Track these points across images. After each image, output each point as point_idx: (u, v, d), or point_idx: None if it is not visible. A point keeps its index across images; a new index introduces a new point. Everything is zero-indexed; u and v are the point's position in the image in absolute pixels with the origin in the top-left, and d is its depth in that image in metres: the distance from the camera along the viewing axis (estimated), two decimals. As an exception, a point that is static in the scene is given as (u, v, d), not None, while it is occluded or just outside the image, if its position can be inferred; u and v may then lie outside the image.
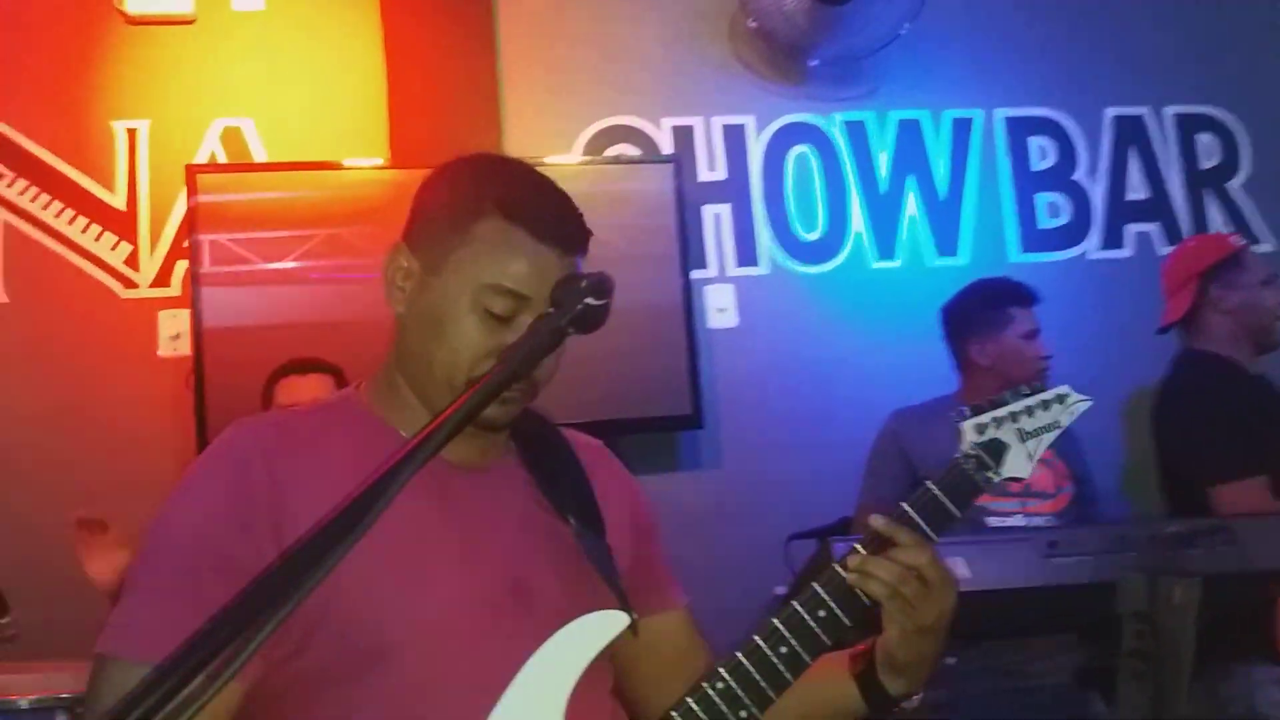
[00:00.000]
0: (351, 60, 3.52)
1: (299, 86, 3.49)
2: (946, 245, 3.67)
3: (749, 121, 3.66)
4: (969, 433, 1.31)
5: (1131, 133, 3.83)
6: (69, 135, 3.36)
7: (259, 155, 3.44)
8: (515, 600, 1.15)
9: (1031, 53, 3.80)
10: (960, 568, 1.96)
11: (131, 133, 3.40)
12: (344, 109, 3.50)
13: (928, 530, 1.23)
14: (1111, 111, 3.83)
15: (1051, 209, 3.77)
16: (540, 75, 3.57)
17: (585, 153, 3.51)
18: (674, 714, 1.17)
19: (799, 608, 1.20)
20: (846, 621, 1.21)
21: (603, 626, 1.14)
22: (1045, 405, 1.34)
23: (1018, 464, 1.31)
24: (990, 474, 1.29)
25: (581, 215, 1.24)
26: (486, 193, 1.19)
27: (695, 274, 3.46)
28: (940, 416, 1.86)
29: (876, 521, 1.22)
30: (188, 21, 3.45)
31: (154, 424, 3.24)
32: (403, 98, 3.49)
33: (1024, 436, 1.32)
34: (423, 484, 1.04)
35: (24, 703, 2.19)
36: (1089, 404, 1.36)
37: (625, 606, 1.17)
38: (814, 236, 3.65)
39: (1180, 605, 1.96)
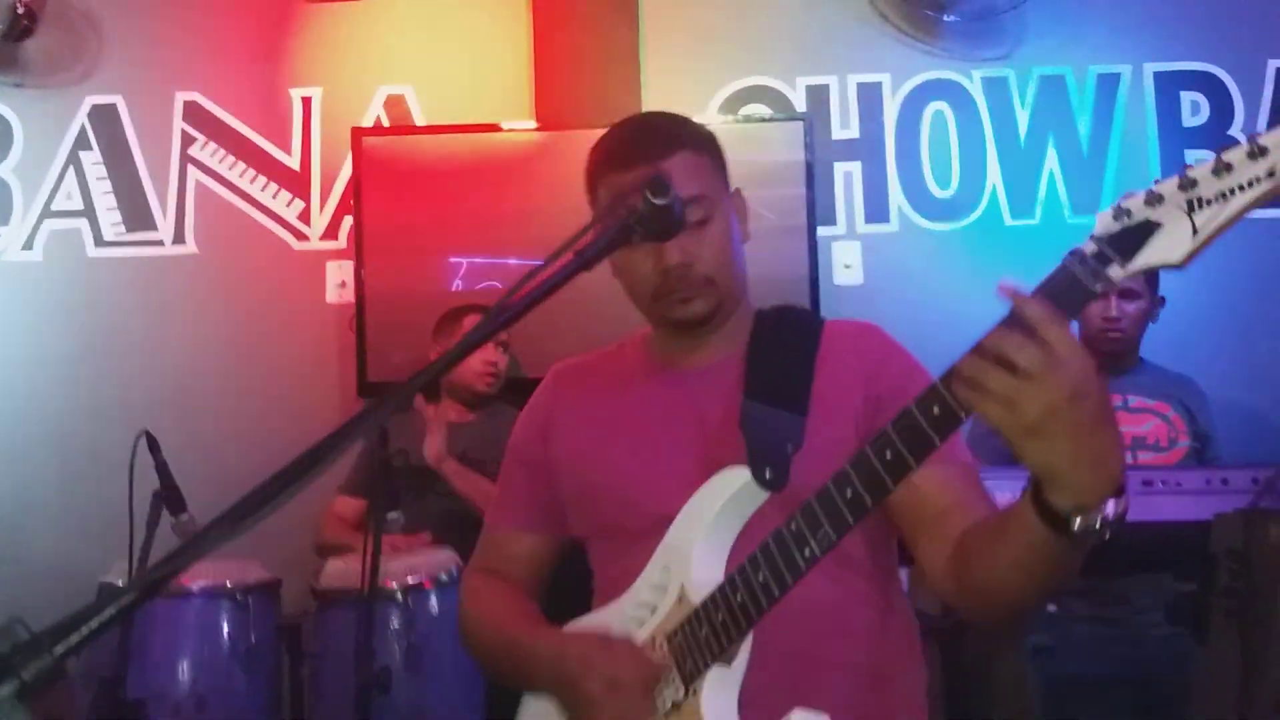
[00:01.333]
0: (502, 30, 3.74)
1: (454, 56, 3.75)
2: (1087, 203, 3.60)
3: (885, 79, 3.69)
4: (1101, 222, 0.99)
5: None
6: (252, 103, 3.73)
7: (419, 120, 3.71)
8: (698, 473, 1.33)
9: (1185, 3, 3.68)
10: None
11: (306, 100, 3.73)
12: (495, 76, 3.73)
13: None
14: (1275, 64, 3.65)
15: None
16: (679, 39, 3.70)
17: (720, 113, 3.63)
18: (756, 551, 1.21)
19: (867, 450, 1.11)
20: (912, 462, 1.07)
21: (725, 481, 1.29)
22: (1258, 152, 0.91)
23: (1170, 246, 0.94)
24: (1114, 268, 0.97)
25: (663, 121, 1.48)
26: (594, 160, 1.44)
27: (823, 230, 3.52)
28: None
29: (1005, 284, 0.99)
30: (357, -2, 3.75)
31: (321, 362, 3.57)
32: (549, 64, 3.68)
33: (1197, 205, 0.93)
34: (652, 387, 1.48)
35: (195, 587, 2.51)
36: None
37: (756, 465, 1.27)
38: (947, 194, 3.65)
39: (1276, 543, 1.93)
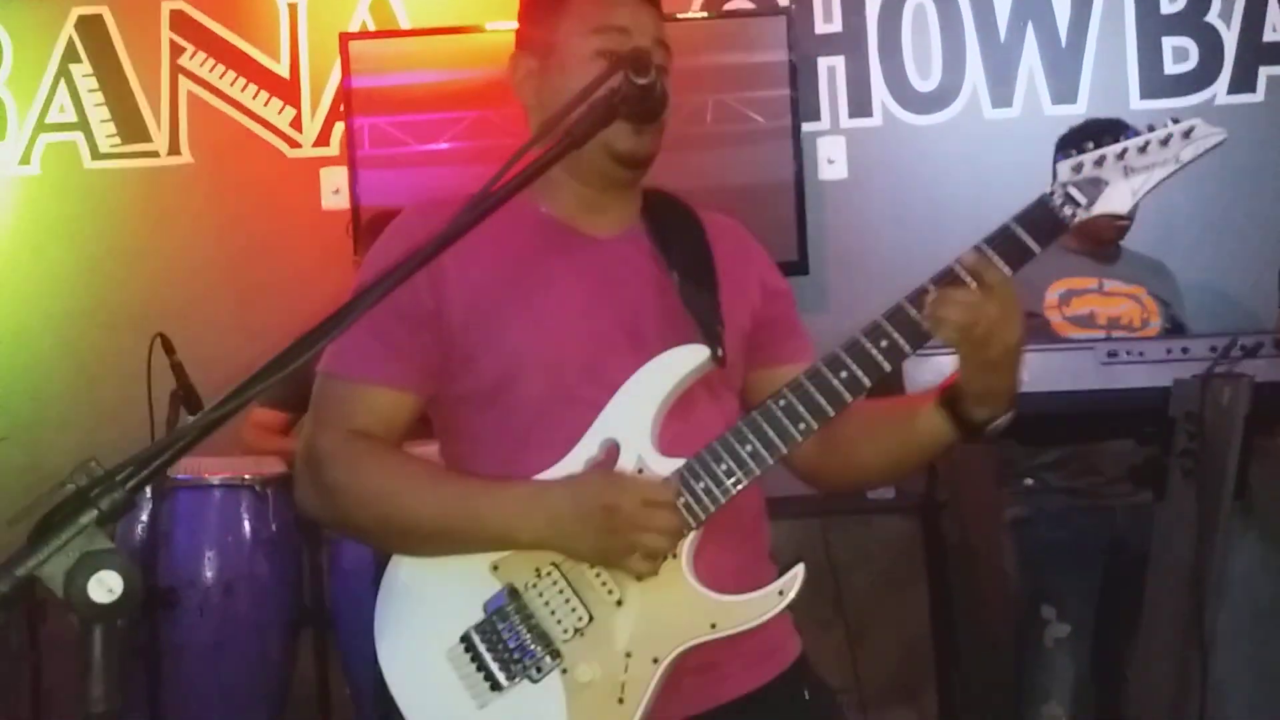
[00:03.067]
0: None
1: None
2: (1065, 93, 3.67)
3: (867, -30, 3.72)
4: (1063, 171, 1.29)
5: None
6: (238, 10, 3.75)
7: (403, 22, 3.73)
8: (629, 341, 1.35)
9: (1164, -112, 3.69)
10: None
11: (292, 7, 3.76)
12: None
13: (1003, 266, 1.25)
14: (1249, -45, 3.69)
15: (1178, 53, 3.69)
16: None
17: (703, 10, 3.66)
18: (740, 424, 1.30)
19: (861, 337, 1.29)
20: (907, 348, 1.28)
21: (686, 357, 1.32)
22: (1164, 142, 1.28)
23: (1116, 198, 1.28)
24: (1079, 209, 1.27)
25: None
26: None
27: (807, 126, 3.59)
28: (1039, 260, 1.95)
29: (965, 259, 1.25)
30: (338, -110, 3.74)
31: (318, 268, 3.63)
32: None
33: (1130, 173, 1.28)
34: (559, 247, 1.40)
35: (215, 480, 2.65)
36: (1221, 138, 1.29)
37: (709, 343, 1.32)
38: (929, 87, 3.70)
39: (1229, 405, 2.05)
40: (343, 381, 1.36)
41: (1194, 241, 3.46)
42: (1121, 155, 1.28)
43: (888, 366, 1.29)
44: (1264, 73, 3.69)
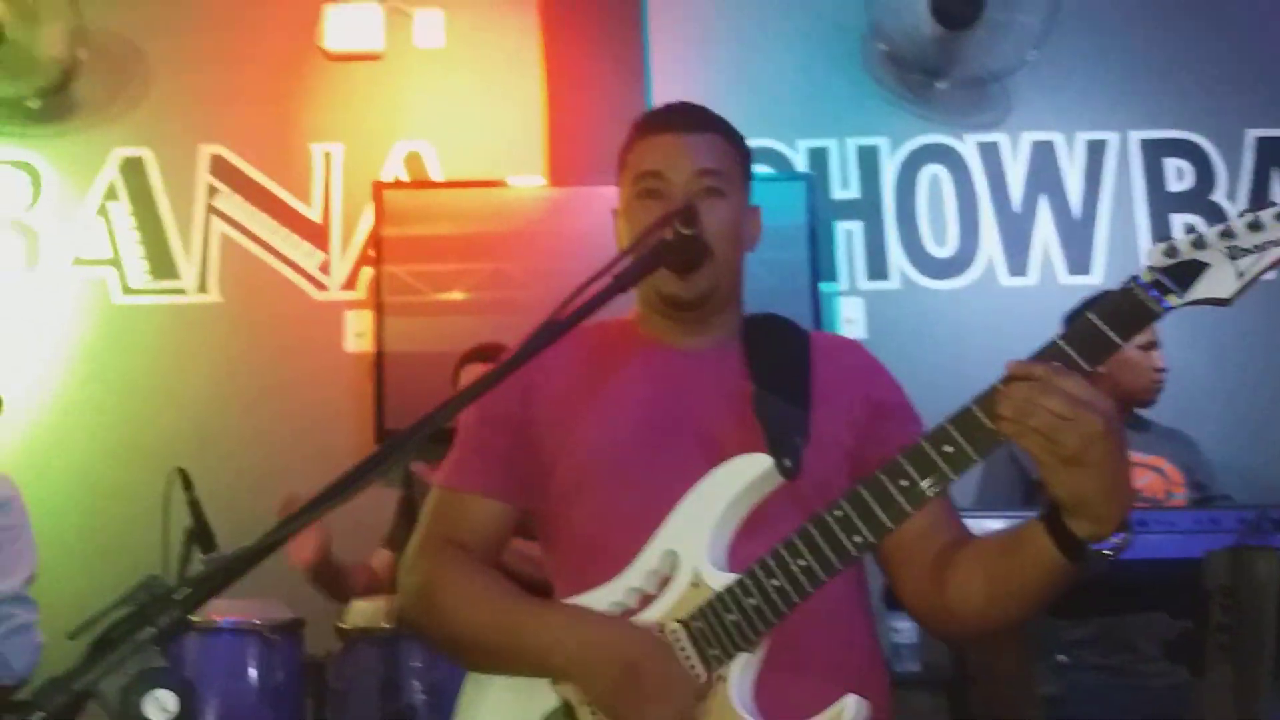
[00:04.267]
0: (516, 88, 3.89)
1: (471, 114, 3.90)
2: (1079, 264, 3.76)
3: (882, 142, 3.86)
4: (1153, 255, 1.15)
5: (1276, 154, 3.83)
6: (275, 156, 3.87)
7: (435, 174, 3.86)
8: (700, 451, 1.33)
9: (1167, 74, 3.87)
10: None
11: (327, 155, 3.88)
12: (510, 134, 3.87)
13: (1080, 361, 1.13)
14: (1254, 133, 3.84)
15: (1188, 230, 3.78)
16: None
17: (724, 173, 3.77)
18: (794, 536, 1.23)
19: (924, 442, 1.18)
20: (974, 456, 1.16)
21: (746, 467, 1.28)
22: None
23: (1219, 283, 1.12)
24: (1173, 296, 1.13)
25: (702, 108, 1.51)
26: (630, 132, 1.51)
27: (825, 287, 3.66)
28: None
29: (1011, 364, 1.14)
30: (377, 57, 3.92)
31: (339, 409, 3.66)
32: (560, 122, 3.84)
33: (1238, 254, 1.12)
34: (641, 359, 1.46)
35: (223, 623, 2.59)
36: None
37: (775, 453, 1.27)
38: (945, 253, 3.80)
39: (1262, 579, 2.03)
40: (442, 491, 1.46)
41: (1215, 414, 3.48)
42: (1226, 234, 1.12)
43: (953, 475, 1.18)
44: (1271, 250, 3.78)
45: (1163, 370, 2.93)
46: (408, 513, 2.83)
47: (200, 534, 2.66)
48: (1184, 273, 1.13)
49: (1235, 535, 2.15)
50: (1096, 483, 1.12)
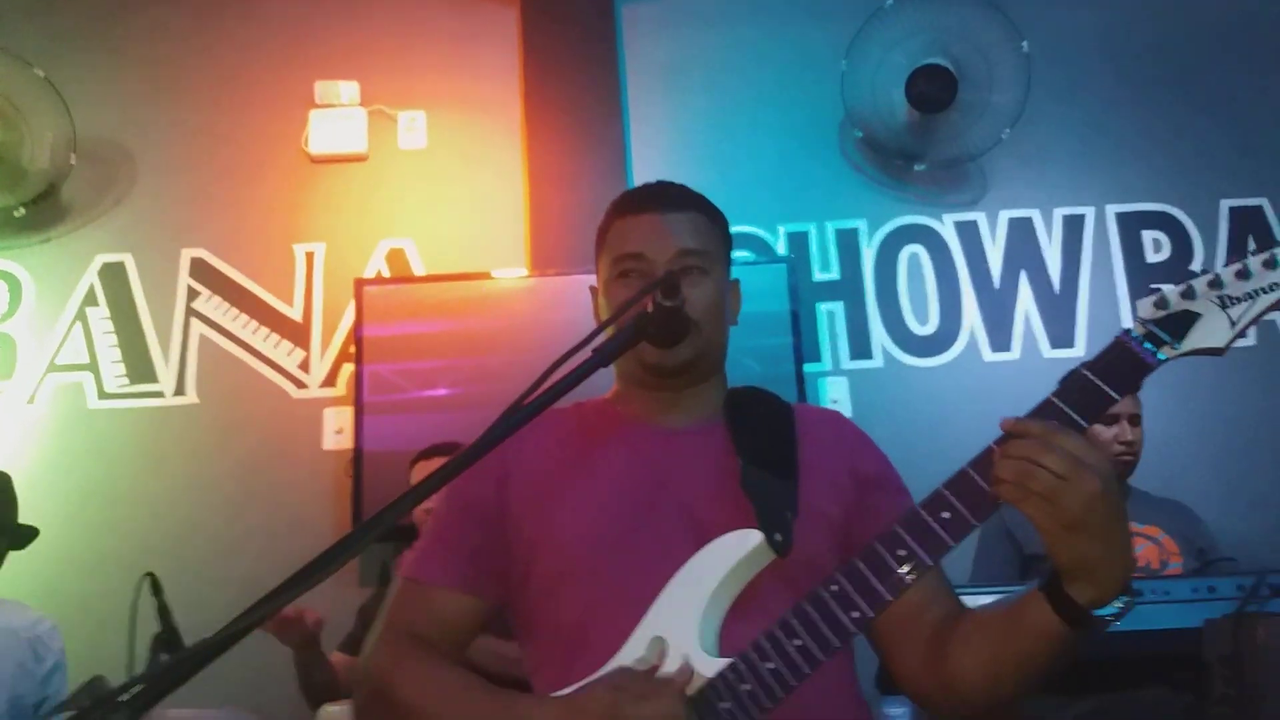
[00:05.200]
0: (499, 186, 3.93)
1: (454, 212, 3.92)
2: (1062, 337, 3.74)
3: (861, 225, 3.88)
4: (1143, 308, 1.14)
5: (1250, 224, 3.85)
6: (257, 257, 3.88)
7: (418, 271, 3.86)
8: (688, 532, 1.28)
9: (1141, 148, 3.91)
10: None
11: (309, 255, 3.89)
12: (492, 230, 3.90)
13: (1076, 418, 1.10)
14: (1228, 203, 3.87)
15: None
16: (664, 191, 3.89)
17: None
18: (789, 615, 1.17)
19: (920, 510, 1.14)
20: (972, 521, 1.12)
21: (735, 544, 1.23)
22: (1271, 264, 1.10)
23: (1211, 332, 1.11)
24: (1166, 348, 1.11)
25: (681, 186, 1.51)
26: (608, 211, 1.51)
27: (809, 367, 3.64)
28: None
29: (1006, 421, 1.10)
30: (361, 159, 3.96)
31: (317, 508, 3.59)
32: (543, 218, 3.86)
33: (1229, 303, 1.11)
34: (622, 440, 1.41)
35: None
36: None
37: (766, 529, 1.23)
38: (927, 330, 3.78)
39: (1264, 645, 1.96)
40: (406, 582, 1.40)
41: (1205, 482, 3.42)
42: (1215, 284, 1.12)
43: (951, 541, 1.13)
44: (1254, 319, 3.77)
45: (1129, 443, 2.88)
46: (370, 617, 2.77)
47: (168, 639, 2.56)
48: (1176, 324, 1.12)
49: (1235, 603, 2.08)
50: (1099, 546, 1.08)
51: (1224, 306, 1.11)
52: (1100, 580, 1.09)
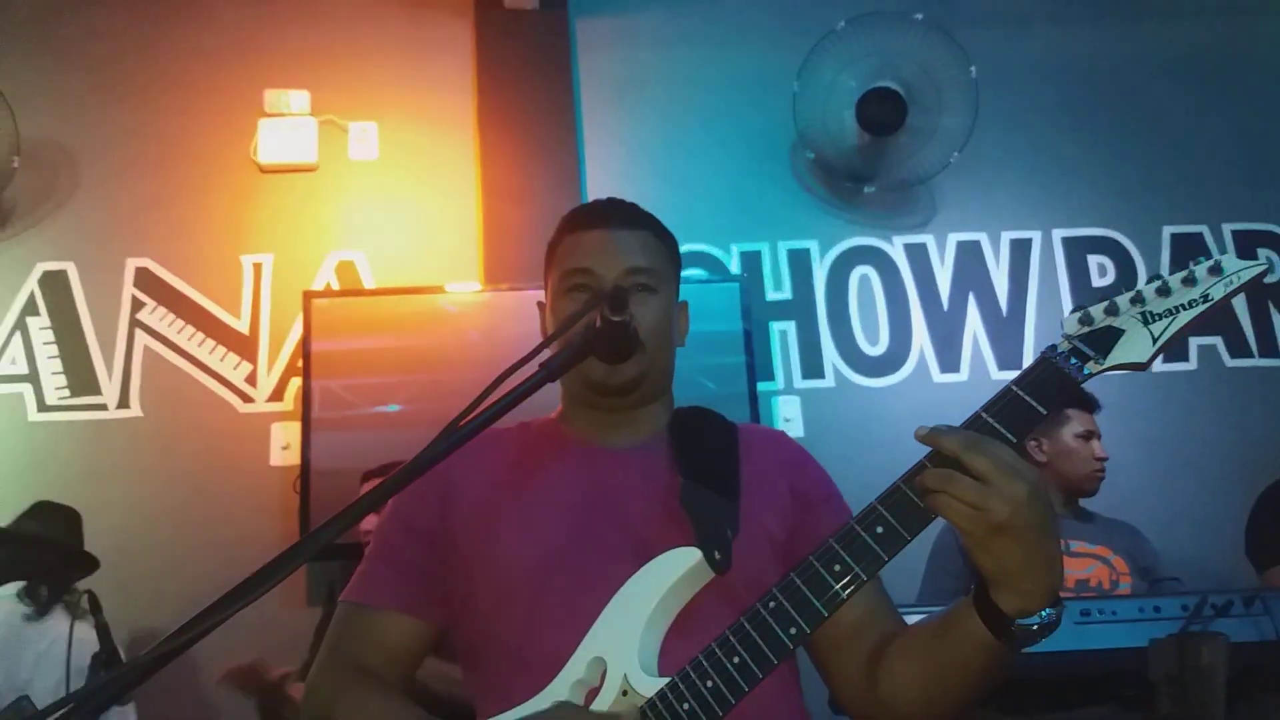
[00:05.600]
0: (452, 200, 3.91)
1: (405, 224, 3.89)
2: (1010, 358, 3.80)
3: (813, 245, 3.91)
4: (1069, 324, 1.16)
5: (1191, 250, 3.94)
6: (203, 268, 3.81)
7: (369, 283, 3.82)
8: (628, 551, 1.27)
9: (1086, 175, 4.01)
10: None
11: (257, 266, 3.83)
12: (444, 243, 3.87)
13: (1005, 433, 1.11)
14: (1169, 229, 3.96)
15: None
16: (619, 208, 3.90)
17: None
18: (728, 633, 1.17)
19: (855, 525, 1.14)
20: (905, 535, 1.12)
21: (674, 562, 1.22)
22: (1189, 280, 1.13)
23: (1134, 348, 1.13)
24: (1090, 363, 1.13)
25: (632, 205, 1.51)
26: (559, 227, 1.51)
27: (763, 385, 3.65)
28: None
29: (920, 431, 1.13)
30: (311, 169, 3.91)
31: (263, 524, 3.53)
32: (495, 232, 3.84)
33: (1151, 319, 1.13)
34: (565, 460, 1.40)
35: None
36: (1261, 269, 1.12)
37: (704, 546, 1.22)
38: (878, 351, 3.82)
39: (1208, 665, 1.99)
40: (348, 606, 1.38)
41: (1151, 504, 3.48)
42: (1137, 300, 1.14)
43: (885, 556, 1.13)
44: (1194, 343, 3.87)
45: (1103, 459, 2.96)
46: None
47: (108, 659, 2.51)
48: (1100, 340, 1.14)
49: (1179, 622, 2.12)
50: (1023, 551, 1.08)
51: (1146, 322, 1.13)
52: (1025, 590, 1.09)
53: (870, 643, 1.31)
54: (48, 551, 2.99)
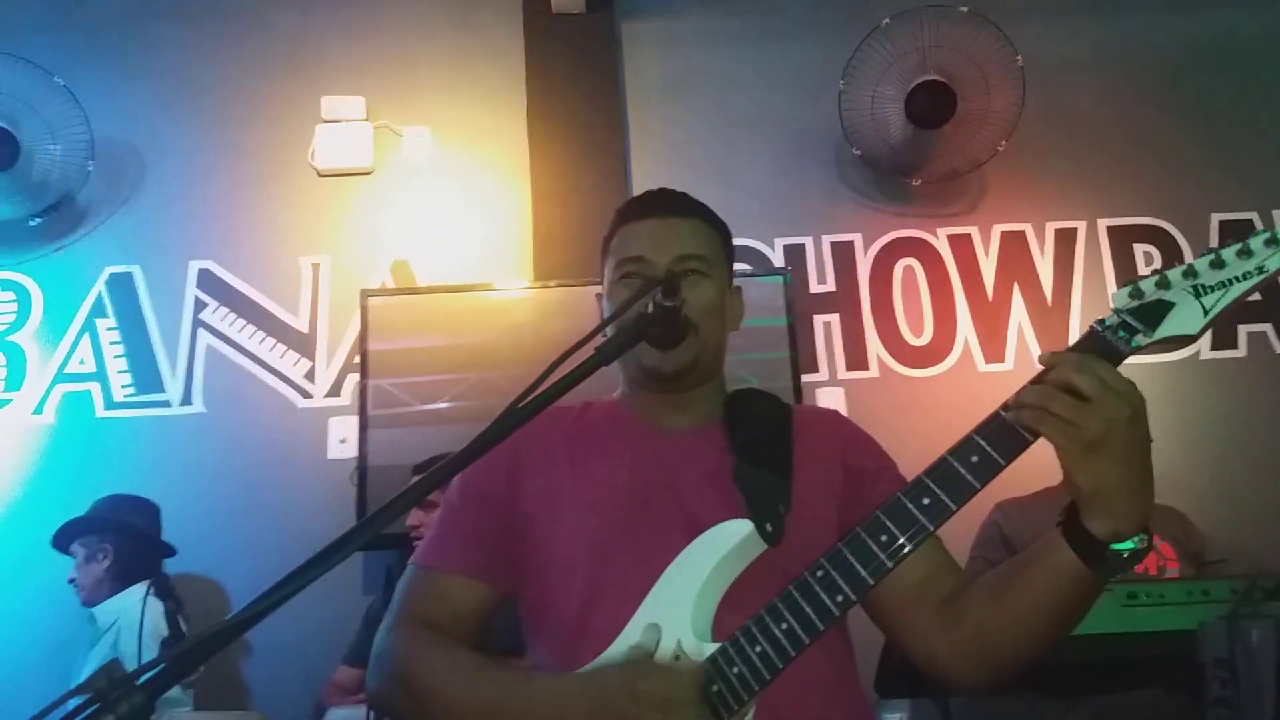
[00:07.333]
0: (503, 199, 3.98)
1: (457, 225, 3.98)
2: (1055, 347, 3.77)
3: (856, 238, 3.94)
4: (1119, 299, 1.16)
5: (1238, 236, 3.90)
6: (263, 270, 3.93)
7: (422, 282, 3.90)
8: (682, 525, 1.33)
9: (1132, 162, 3.99)
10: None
11: (315, 266, 3.94)
12: (495, 242, 3.95)
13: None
14: (1218, 217, 3.93)
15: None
16: (665, 204, 3.95)
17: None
18: (776, 600, 1.21)
19: (901, 497, 1.17)
20: (951, 505, 1.15)
21: (727, 534, 1.28)
22: (1245, 253, 1.11)
23: (1185, 320, 1.12)
24: (1139, 336, 1.13)
25: (682, 194, 1.56)
26: (613, 219, 1.56)
27: (806, 378, 3.69)
28: (1043, 507, 1.97)
29: (1044, 355, 1.13)
30: (366, 173, 4.02)
31: (319, 517, 3.61)
32: (545, 231, 3.91)
33: (1203, 291, 1.12)
34: (626, 441, 1.46)
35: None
36: None
37: (756, 519, 1.28)
38: (922, 342, 3.84)
39: (1257, 648, 2.01)
40: (417, 569, 1.44)
41: (1197, 490, 3.47)
42: (1189, 273, 1.13)
43: (930, 526, 1.15)
44: (1243, 330, 3.84)
45: (1149, 443, 2.94)
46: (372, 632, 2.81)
47: (175, 644, 2.61)
48: (1150, 313, 1.13)
49: (1228, 605, 2.13)
50: (1118, 470, 1.08)
51: (1198, 295, 1.12)
52: (1118, 510, 1.09)
53: (941, 594, 1.32)
54: (142, 541, 3.13)
